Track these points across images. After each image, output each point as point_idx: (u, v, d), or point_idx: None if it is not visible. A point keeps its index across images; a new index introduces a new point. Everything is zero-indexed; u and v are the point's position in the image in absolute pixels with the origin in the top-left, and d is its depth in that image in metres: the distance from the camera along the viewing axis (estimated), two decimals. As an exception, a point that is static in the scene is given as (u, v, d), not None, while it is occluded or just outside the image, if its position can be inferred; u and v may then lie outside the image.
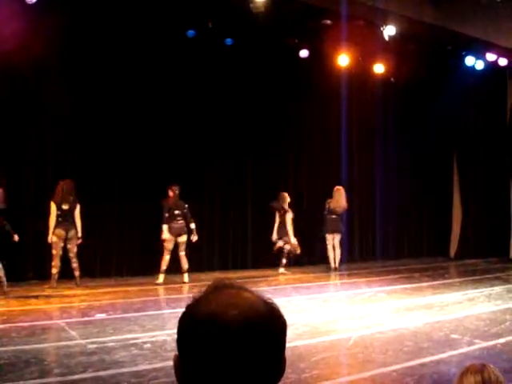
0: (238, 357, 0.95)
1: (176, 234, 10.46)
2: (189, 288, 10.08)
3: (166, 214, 10.43)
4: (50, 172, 10.37)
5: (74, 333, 6.63)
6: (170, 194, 10.54)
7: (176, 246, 10.51)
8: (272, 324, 1.01)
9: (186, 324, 1.01)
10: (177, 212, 10.49)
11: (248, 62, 12.11)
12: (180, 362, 1.01)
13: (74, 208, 9.86)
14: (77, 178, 10.04)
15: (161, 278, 10.44)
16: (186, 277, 10.58)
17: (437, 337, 6.51)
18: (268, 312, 1.01)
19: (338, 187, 12.57)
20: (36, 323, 7.24)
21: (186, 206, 10.57)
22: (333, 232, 12.46)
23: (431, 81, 13.97)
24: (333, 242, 12.47)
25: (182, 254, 10.56)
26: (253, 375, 0.97)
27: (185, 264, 10.58)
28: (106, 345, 6.05)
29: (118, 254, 11.21)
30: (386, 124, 14.51)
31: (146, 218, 11.07)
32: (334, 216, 12.47)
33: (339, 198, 12.50)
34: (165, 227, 10.43)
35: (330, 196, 12.57)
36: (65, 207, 9.74)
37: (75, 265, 9.88)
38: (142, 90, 11.15)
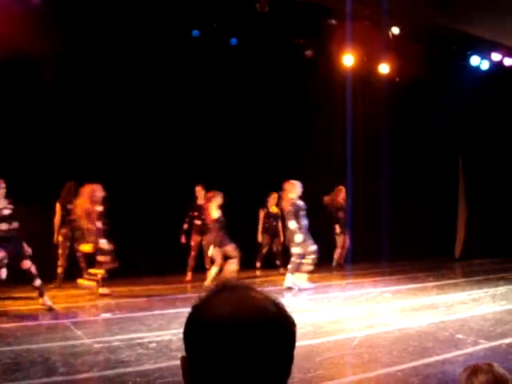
0: (250, 359, 0.95)
1: (200, 232, 10.83)
2: (194, 287, 10.10)
3: (190, 213, 11.02)
4: (57, 173, 10.38)
5: (79, 332, 6.65)
6: (196, 194, 11.10)
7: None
8: (283, 325, 1.01)
9: (196, 326, 1.00)
10: (198, 212, 10.90)
11: (253, 61, 12.11)
12: (189, 363, 1.00)
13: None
14: (84, 179, 10.04)
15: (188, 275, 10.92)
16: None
17: (442, 337, 6.51)
18: (278, 313, 1.01)
19: (340, 187, 12.68)
20: (41, 322, 7.28)
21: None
22: (339, 231, 12.60)
23: (436, 81, 13.92)
24: (338, 240, 12.63)
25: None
26: (264, 376, 0.97)
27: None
28: (111, 344, 6.07)
29: (123, 254, 11.19)
30: (390, 124, 14.48)
31: (150, 218, 11.08)
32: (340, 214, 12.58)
33: (335, 197, 12.59)
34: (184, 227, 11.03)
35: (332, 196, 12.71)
36: (70, 207, 9.76)
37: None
38: (146, 90, 11.17)
